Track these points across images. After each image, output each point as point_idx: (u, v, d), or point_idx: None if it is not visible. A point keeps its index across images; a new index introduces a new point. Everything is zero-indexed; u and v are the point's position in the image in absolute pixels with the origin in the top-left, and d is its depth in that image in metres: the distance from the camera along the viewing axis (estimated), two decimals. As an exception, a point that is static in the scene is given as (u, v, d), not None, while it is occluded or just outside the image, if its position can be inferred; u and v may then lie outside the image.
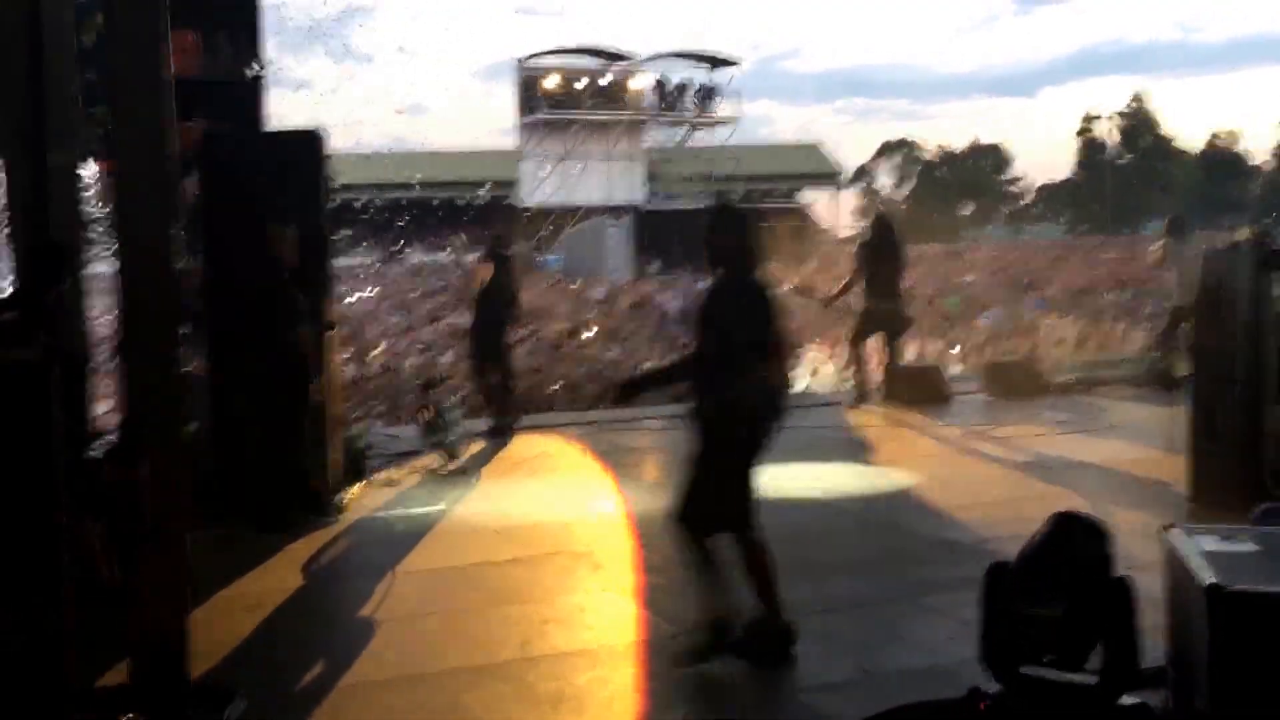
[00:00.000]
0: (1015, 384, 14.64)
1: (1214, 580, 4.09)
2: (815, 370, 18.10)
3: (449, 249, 42.06)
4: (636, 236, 45.30)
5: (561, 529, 8.69)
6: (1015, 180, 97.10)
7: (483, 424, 12.63)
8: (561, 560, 7.90)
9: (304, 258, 9.08)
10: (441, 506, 9.58)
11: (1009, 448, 11.43)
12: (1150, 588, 4.54)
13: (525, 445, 12.12)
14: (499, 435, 12.42)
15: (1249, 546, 4.45)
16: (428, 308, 30.57)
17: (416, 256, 57.48)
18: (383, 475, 10.60)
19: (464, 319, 18.56)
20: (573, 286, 34.57)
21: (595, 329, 23.08)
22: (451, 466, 10.92)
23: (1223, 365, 8.28)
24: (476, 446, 11.63)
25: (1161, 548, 4.73)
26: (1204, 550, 4.38)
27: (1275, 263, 8.23)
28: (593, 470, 10.81)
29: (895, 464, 10.74)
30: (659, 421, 12.95)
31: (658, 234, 46.27)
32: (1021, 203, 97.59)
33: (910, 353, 18.18)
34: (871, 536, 8.48)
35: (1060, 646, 3.98)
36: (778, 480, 9.45)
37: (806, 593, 6.90)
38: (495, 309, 12.52)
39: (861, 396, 14.05)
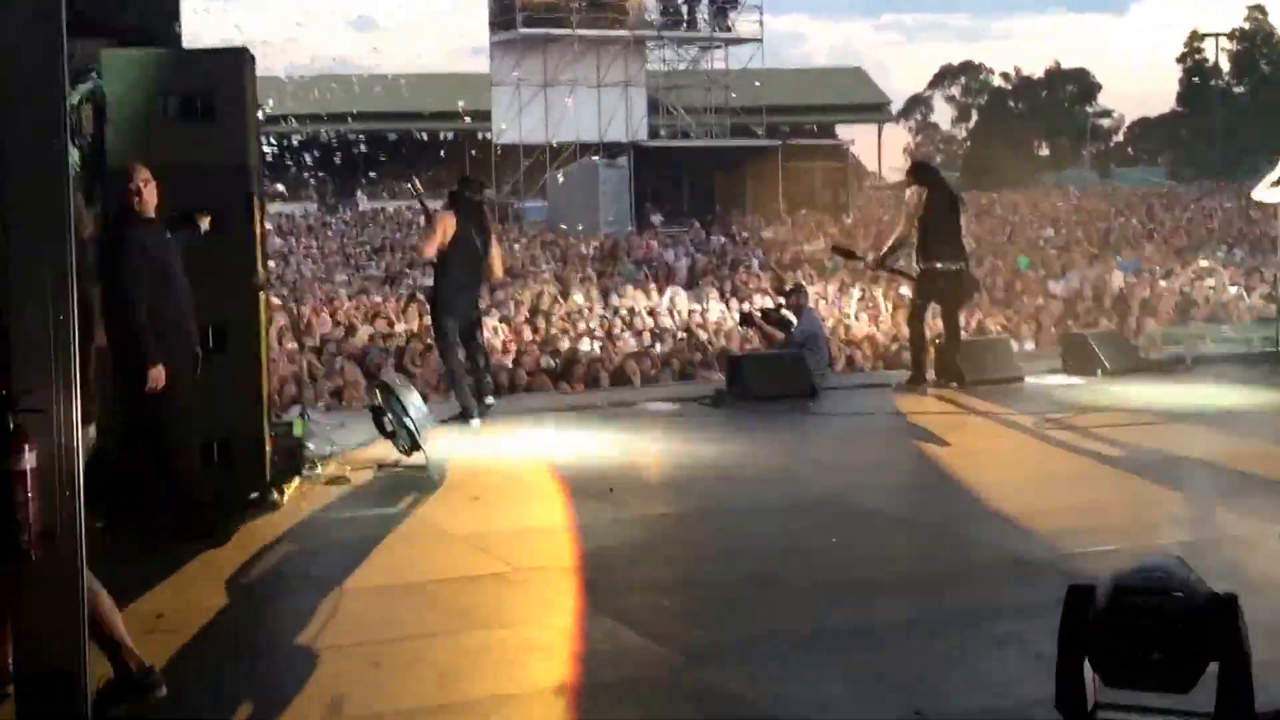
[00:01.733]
0: (1100, 361, 14.60)
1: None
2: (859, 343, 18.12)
3: (407, 195, 41.63)
4: (636, 180, 44.92)
5: (545, 538, 8.66)
6: (1103, 114, 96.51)
7: (448, 409, 12.69)
8: (544, 576, 7.87)
9: (228, 205, 9.07)
10: (397, 509, 9.53)
11: (1092, 439, 11.36)
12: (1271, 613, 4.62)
13: (501, 434, 12.12)
14: (468, 422, 12.44)
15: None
16: (381, 266, 30.23)
17: (366, 204, 57.41)
18: (325, 470, 10.59)
19: (426, 280, 18.56)
20: (558, 241, 34.36)
21: (585, 293, 22.88)
22: (409, 460, 10.82)
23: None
24: (441, 436, 11.53)
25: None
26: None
27: None
28: (584, 466, 10.75)
29: (953, 460, 10.74)
30: (663, 406, 13.33)
31: (662, 177, 46.16)
32: (1111, 141, 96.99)
33: (971, 324, 18.01)
34: (925, 549, 8.46)
35: (1157, 684, 4.00)
36: (813, 479, 9.85)
37: (848, 617, 6.90)
38: (464, 269, 12.57)
39: (916, 378, 14.17)
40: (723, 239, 34.87)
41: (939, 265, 13.90)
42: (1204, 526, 8.52)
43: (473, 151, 57.40)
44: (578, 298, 22.33)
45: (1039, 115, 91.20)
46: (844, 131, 65.52)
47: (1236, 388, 13.67)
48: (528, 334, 18.58)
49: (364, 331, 18.78)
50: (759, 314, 16.24)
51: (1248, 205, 38.46)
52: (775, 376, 13.83)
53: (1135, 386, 13.93)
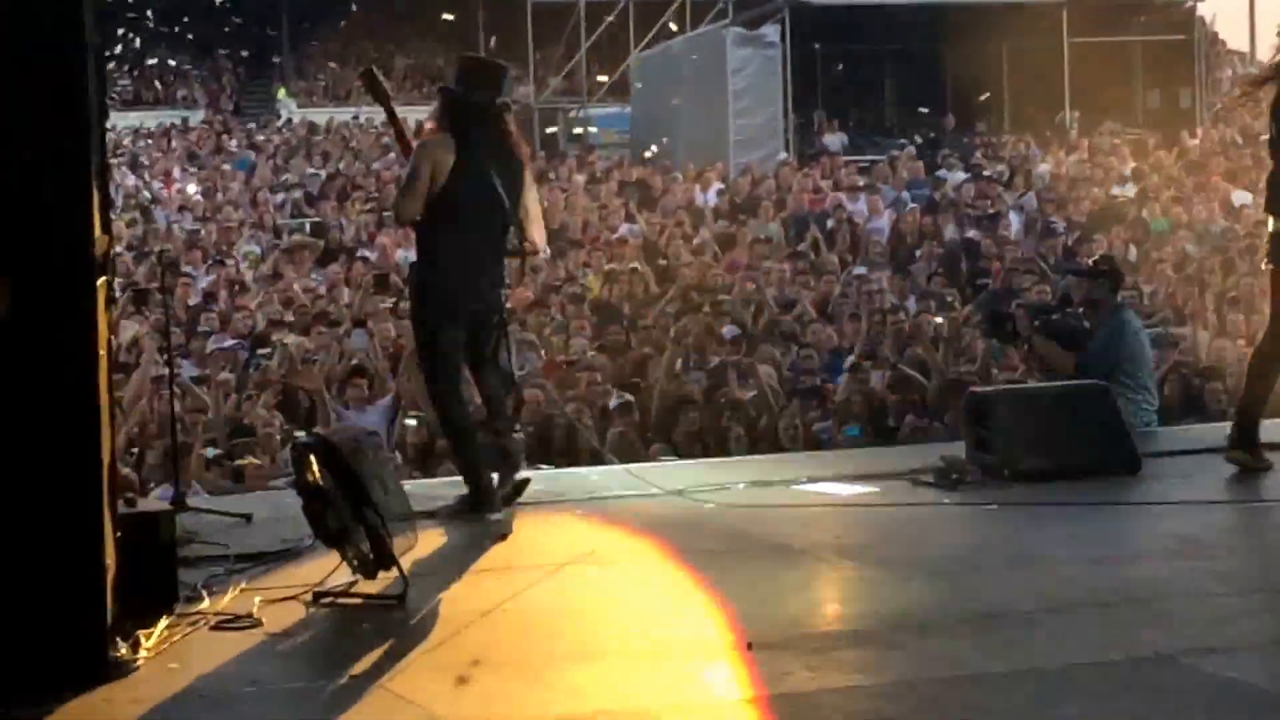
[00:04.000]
0: None
1: None
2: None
3: (362, 99, 38.54)
4: (797, 68, 36.27)
5: None
6: None
7: (448, 493, 12.18)
8: None
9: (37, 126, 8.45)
10: (340, 679, 8.56)
11: None
12: None
13: (539, 536, 11.45)
14: (483, 515, 11.82)
15: None
16: (320, 228, 29.47)
17: (294, 112, 52.38)
18: (214, 603, 9.82)
19: (403, 252, 20.17)
20: (652, 181, 32.09)
21: (701, 278, 22.50)
22: (369, 587, 9.97)
23: None
24: (434, 541, 10.99)
25: None
26: None
27: None
28: (685, 600, 9.90)
29: None
30: (843, 489, 12.63)
31: (846, 62, 38.71)
32: None
33: None
34: None
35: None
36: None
37: None
38: (472, 239, 11.85)
39: (1243, 439, 12.88)
40: (960, 176, 32.49)
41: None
42: None
43: (488, 10, 48.69)
44: (692, 282, 22.06)
45: None
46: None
47: None
48: (604, 359, 18.28)
49: (290, 342, 18.55)
50: (1029, 319, 15.42)
51: None
52: (1060, 434, 12.60)
53: None
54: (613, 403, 16.44)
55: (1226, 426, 14.37)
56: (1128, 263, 22.34)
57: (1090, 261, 16.17)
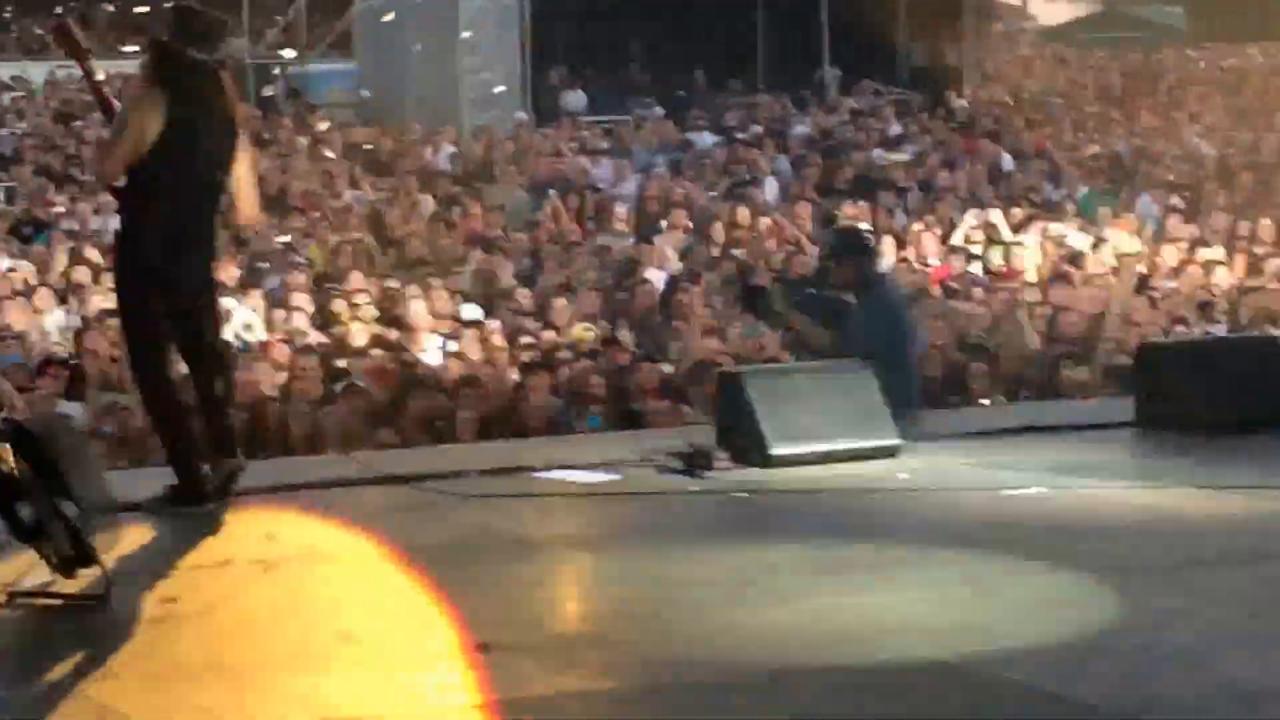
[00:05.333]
0: None
1: None
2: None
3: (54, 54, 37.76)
4: (537, 23, 39.83)
5: None
6: None
7: (155, 483, 11.99)
8: None
9: None
10: (34, 688, 8.48)
11: None
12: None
13: (262, 531, 11.37)
14: (194, 506, 11.76)
15: None
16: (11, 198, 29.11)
17: None
18: None
19: (101, 222, 19.71)
20: (380, 144, 32.22)
21: (437, 243, 22.81)
22: (69, 586, 9.83)
23: None
24: (140, 535, 11.00)
25: None
26: None
27: None
28: (411, 596, 9.93)
29: None
30: (587, 475, 12.66)
31: (589, 17, 40.65)
32: None
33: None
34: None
35: None
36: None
37: None
38: (181, 204, 11.65)
39: None
40: (712, 139, 33.10)
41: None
42: None
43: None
44: (421, 253, 22.24)
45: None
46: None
47: None
48: (315, 335, 18.31)
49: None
50: (780, 290, 15.48)
51: None
52: (817, 416, 12.76)
53: None
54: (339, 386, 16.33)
55: (990, 407, 14.70)
56: (895, 232, 22.46)
57: (840, 235, 16.48)
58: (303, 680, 8.55)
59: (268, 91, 39.94)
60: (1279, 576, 9.87)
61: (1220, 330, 17.09)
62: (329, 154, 29.85)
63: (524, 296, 19.81)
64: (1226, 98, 36.72)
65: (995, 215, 22.88)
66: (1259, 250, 19.88)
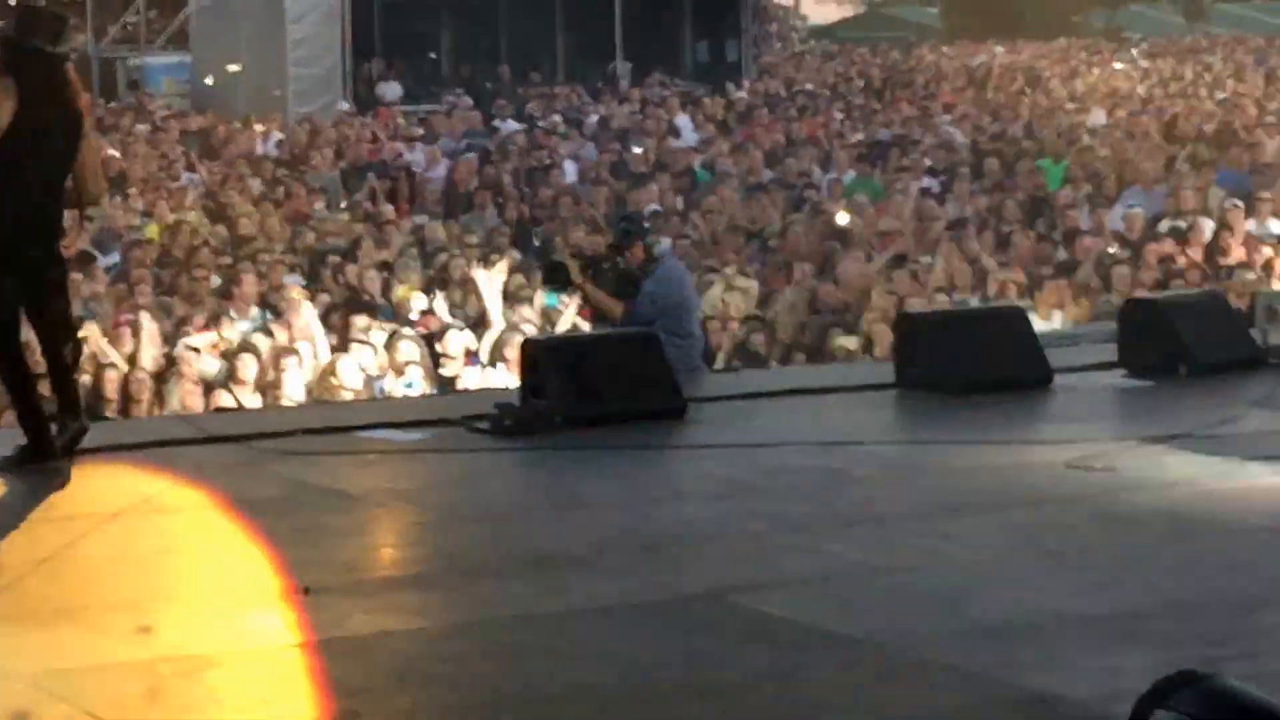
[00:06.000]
0: (1184, 348, 13.55)
1: None
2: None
3: None
4: (358, 19, 36.63)
5: (178, 677, 7.62)
6: None
7: (7, 443, 11.78)
8: None
9: None
10: None
11: (1162, 490, 10.42)
12: None
13: (104, 486, 11.21)
14: (42, 463, 11.52)
15: None
16: None
17: None
18: None
19: None
20: (213, 130, 31.43)
21: (260, 226, 22.37)
22: None
23: None
24: None
25: None
26: None
27: None
28: (240, 544, 9.85)
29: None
30: (403, 435, 12.46)
31: (404, 15, 38.00)
32: None
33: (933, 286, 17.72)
34: None
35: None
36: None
37: None
38: (28, 184, 11.41)
39: None
40: (515, 126, 32.59)
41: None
42: None
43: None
44: (250, 232, 21.68)
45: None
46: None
47: None
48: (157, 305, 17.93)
49: None
50: (577, 265, 15.25)
51: None
52: (612, 381, 12.56)
53: (1242, 390, 12.70)
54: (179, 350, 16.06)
55: (772, 371, 14.72)
56: (676, 211, 22.42)
57: (628, 218, 16.44)
58: (140, 620, 8.54)
59: (109, 80, 39.33)
60: (1021, 523, 9.96)
61: (973, 301, 17.19)
62: (166, 140, 29.31)
63: (349, 267, 19.68)
64: (975, 90, 36.87)
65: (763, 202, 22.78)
66: (1004, 229, 19.98)
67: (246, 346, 16.20)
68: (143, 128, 30.89)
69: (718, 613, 8.47)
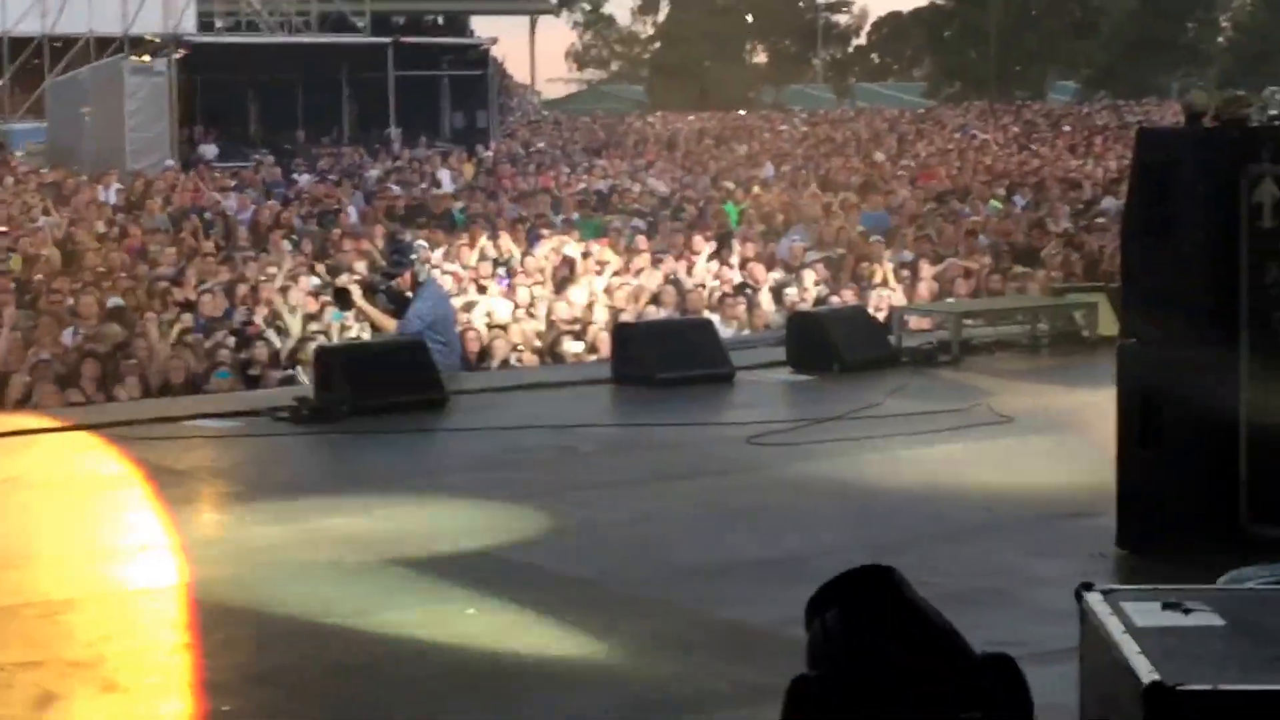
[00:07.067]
0: (835, 351, 13.36)
1: (1155, 676, 4.06)
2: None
3: None
4: (183, 93, 35.59)
5: (47, 616, 7.53)
6: (840, 5, 75.09)
7: None
8: (42, 675, 6.82)
9: None
10: None
11: (822, 460, 10.35)
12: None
13: None
14: None
15: (1203, 618, 4.51)
16: None
17: None
18: None
19: None
20: (64, 183, 30.05)
21: (103, 258, 21.20)
22: None
23: (1174, 317, 7.93)
24: None
25: (1079, 621, 4.55)
26: (1138, 625, 4.41)
27: (1255, 150, 7.62)
28: (92, 512, 9.70)
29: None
30: (218, 424, 12.15)
31: (220, 90, 37.48)
32: (850, 46, 76.17)
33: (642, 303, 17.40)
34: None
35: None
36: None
37: None
38: None
39: None
40: (308, 179, 31.41)
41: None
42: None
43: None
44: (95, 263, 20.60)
45: (755, 9, 72.13)
46: (482, 26, 55.01)
47: (1022, 383, 13.09)
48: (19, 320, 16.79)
49: None
50: (359, 289, 15.09)
51: (1031, 133, 36.42)
52: (387, 378, 12.34)
53: (880, 386, 12.74)
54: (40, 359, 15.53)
55: (516, 370, 14.54)
56: (438, 244, 22.18)
57: (397, 250, 16.43)
58: (14, 575, 8.47)
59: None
60: (713, 487, 9.98)
61: (668, 313, 17.08)
62: (26, 190, 28.56)
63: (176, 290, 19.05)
64: (673, 150, 37.22)
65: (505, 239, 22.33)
66: (692, 258, 19.96)
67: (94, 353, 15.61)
68: (9, 179, 30.26)
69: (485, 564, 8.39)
